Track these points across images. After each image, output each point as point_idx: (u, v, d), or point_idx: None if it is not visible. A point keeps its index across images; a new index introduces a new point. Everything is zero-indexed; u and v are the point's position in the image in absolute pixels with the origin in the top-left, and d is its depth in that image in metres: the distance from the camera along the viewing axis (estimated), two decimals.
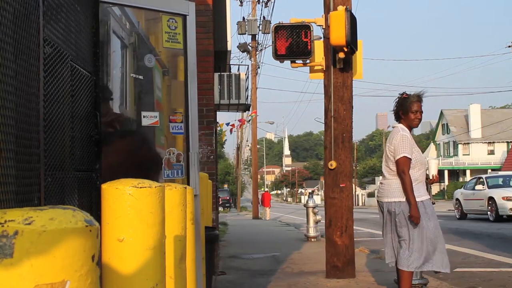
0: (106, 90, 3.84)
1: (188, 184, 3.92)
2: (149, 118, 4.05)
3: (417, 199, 4.75)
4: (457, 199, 21.07)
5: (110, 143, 3.71)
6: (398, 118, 5.11)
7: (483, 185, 19.34)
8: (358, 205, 63.65)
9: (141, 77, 4.24)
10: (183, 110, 4.24)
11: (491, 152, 65.48)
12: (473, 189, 19.81)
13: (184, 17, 4.16)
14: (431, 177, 5.31)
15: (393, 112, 5.18)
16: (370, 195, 68.73)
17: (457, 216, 20.65)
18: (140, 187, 1.78)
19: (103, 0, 3.76)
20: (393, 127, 5.21)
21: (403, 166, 4.81)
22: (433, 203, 5.14)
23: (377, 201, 5.20)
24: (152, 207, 1.81)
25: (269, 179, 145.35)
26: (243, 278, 7.04)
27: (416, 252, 4.81)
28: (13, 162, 1.86)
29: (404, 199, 4.81)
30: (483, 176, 20.88)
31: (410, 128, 5.06)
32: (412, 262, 4.82)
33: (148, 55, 4.27)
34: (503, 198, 17.72)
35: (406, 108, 5.02)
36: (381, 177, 5.20)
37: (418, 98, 5.08)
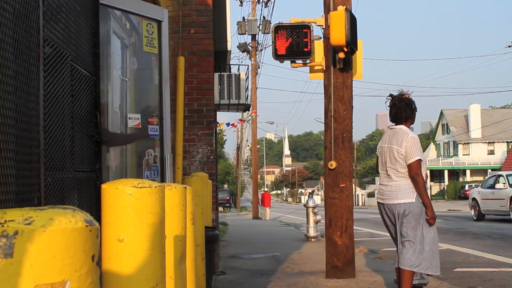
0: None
1: None
2: (133, 120, 4.12)
3: None
4: (473, 199, 19.21)
5: None
6: (405, 120, 5.02)
7: (504, 183, 17.72)
8: (358, 205, 63.64)
9: (127, 79, 4.31)
10: (158, 113, 4.36)
11: (491, 152, 65.49)
12: (492, 187, 18.17)
13: (159, 22, 4.26)
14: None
15: (401, 114, 5.00)
16: (370, 195, 68.68)
17: (474, 217, 18.91)
18: (140, 187, 1.78)
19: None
20: (390, 128, 5.11)
21: (416, 169, 4.78)
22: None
23: (380, 203, 5.12)
24: (152, 207, 1.81)
25: (269, 179, 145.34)
26: (243, 278, 7.04)
27: (420, 253, 4.80)
28: (13, 162, 1.86)
29: (413, 200, 4.80)
30: (504, 173, 18.98)
31: (409, 127, 5.06)
32: (415, 262, 4.82)
33: (132, 58, 4.34)
34: None
35: (416, 106, 5.04)
36: (383, 179, 5.11)
37: None
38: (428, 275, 5.55)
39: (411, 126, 5.19)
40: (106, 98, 4.13)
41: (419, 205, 4.80)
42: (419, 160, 4.80)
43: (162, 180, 4.12)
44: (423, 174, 5.02)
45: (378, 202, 5.17)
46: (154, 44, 4.29)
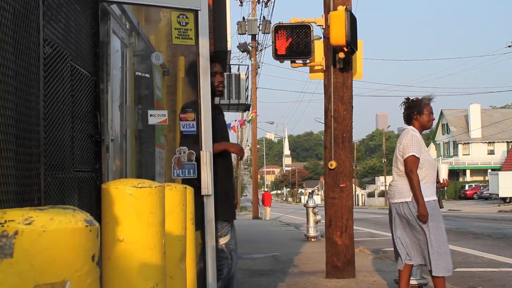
0: None
1: (200, 184, 3.89)
2: (156, 117, 3.97)
3: (424, 199, 4.76)
4: None
5: None
6: (410, 120, 5.08)
7: None
8: (358, 205, 63.66)
9: (148, 75, 4.15)
10: (195, 108, 4.10)
11: (491, 152, 65.48)
12: None
13: (196, 12, 4.06)
14: (441, 181, 5.27)
15: (403, 114, 5.13)
16: (370, 195, 68.73)
17: None
18: (140, 187, 1.78)
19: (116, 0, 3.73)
20: (403, 130, 5.19)
21: (411, 165, 4.81)
22: (441, 207, 5.10)
23: (389, 202, 5.19)
24: (152, 207, 1.81)
25: (269, 179, 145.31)
26: (243, 278, 7.04)
27: (439, 254, 4.82)
28: (13, 162, 1.86)
29: (410, 199, 4.82)
30: None
31: (422, 130, 5.07)
32: (444, 265, 4.84)
33: (156, 53, 4.16)
34: None
35: (421, 109, 5.05)
36: (392, 178, 5.18)
37: (429, 100, 5.13)
38: (427, 274, 5.54)
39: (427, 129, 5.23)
40: (116, 96, 4.02)
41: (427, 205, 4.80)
42: (413, 157, 4.82)
43: (199, 178, 3.97)
44: (433, 176, 5.01)
45: (388, 202, 5.23)
46: (189, 35, 4.09)
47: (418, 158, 4.85)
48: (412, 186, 4.79)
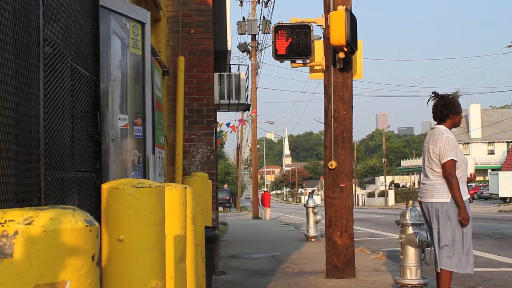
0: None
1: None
2: (122, 121, 4.16)
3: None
4: None
5: None
6: (443, 119, 5.02)
7: None
8: (358, 205, 63.63)
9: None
10: (141, 114, 4.41)
11: (491, 152, 65.51)
12: None
13: (143, 25, 4.30)
14: (469, 176, 5.27)
15: (437, 112, 5.04)
16: (370, 195, 68.71)
17: None
18: (140, 187, 1.78)
19: None
20: (431, 128, 5.13)
21: (450, 169, 4.79)
22: (471, 201, 5.10)
23: (419, 201, 5.15)
24: (152, 207, 1.80)
25: (269, 179, 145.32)
26: (243, 278, 7.04)
27: (458, 253, 4.81)
28: (13, 162, 1.86)
29: (448, 200, 4.81)
30: None
31: (452, 127, 5.03)
32: (453, 263, 4.84)
33: (121, 58, 4.39)
34: None
35: (458, 108, 5.01)
36: (422, 177, 5.14)
37: (459, 97, 5.10)
38: (427, 274, 5.54)
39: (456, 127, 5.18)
40: (116, 96, 4.22)
41: (454, 205, 4.80)
42: (452, 161, 4.80)
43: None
44: (466, 174, 5.00)
45: (418, 200, 5.19)
46: (138, 46, 4.33)
47: (456, 161, 4.83)
48: (452, 189, 4.77)
